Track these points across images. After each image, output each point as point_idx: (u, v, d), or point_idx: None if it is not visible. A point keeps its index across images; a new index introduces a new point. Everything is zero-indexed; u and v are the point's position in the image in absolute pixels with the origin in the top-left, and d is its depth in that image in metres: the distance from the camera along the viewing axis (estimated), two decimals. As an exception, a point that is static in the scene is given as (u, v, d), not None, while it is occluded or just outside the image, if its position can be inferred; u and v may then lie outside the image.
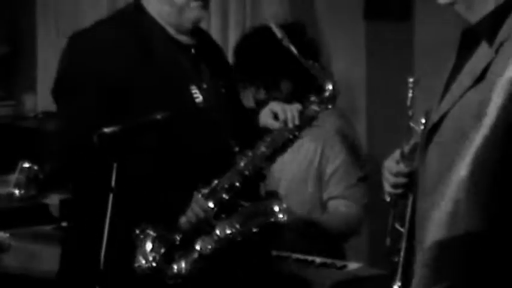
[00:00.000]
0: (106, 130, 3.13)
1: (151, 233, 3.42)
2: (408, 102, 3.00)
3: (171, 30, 3.58)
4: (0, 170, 5.04)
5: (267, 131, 3.60)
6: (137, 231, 3.41)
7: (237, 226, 3.48)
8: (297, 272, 4.08)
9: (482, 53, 2.79)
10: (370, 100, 5.04)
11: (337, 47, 5.09)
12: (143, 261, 3.41)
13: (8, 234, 3.80)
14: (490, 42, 2.75)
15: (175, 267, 3.47)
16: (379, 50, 5.02)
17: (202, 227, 3.54)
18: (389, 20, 4.97)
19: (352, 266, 4.16)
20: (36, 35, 6.19)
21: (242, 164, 3.53)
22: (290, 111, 3.51)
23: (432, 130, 2.88)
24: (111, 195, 3.11)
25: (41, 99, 6.04)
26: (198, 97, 3.56)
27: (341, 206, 4.25)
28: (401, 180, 3.02)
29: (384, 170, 3.09)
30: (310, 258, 4.09)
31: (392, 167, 3.04)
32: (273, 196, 3.67)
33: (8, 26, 6.29)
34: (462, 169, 1.70)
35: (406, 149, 3.02)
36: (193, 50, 3.66)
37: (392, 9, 4.98)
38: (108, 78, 3.46)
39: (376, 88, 5.03)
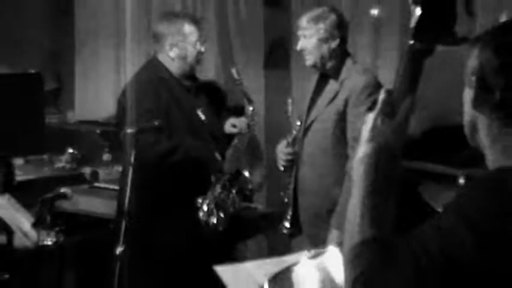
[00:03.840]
0: (128, 131, 3.84)
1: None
2: (289, 112, 4.10)
3: (182, 79, 4.38)
4: (55, 152, 5.90)
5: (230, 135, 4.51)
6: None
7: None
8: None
9: (332, 87, 3.95)
10: (268, 113, 5.84)
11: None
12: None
13: (69, 190, 4.32)
14: (336, 79, 3.92)
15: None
16: (272, 86, 5.93)
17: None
18: (277, 68, 5.87)
19: (257, 206, 5.02)
20: (74, 74, 7.10)
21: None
22: (243, 123, 4.45)
23: (307, 129, 3.96)
24: (130, 169, 3.73)
25: (77, 113, 7.04)
26: (202, 117, 4.42)
27: None
28: (289, 157, 4.03)
29: (278, 151, 4.09)
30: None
31: (284, 150, 4.05)
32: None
33: (54, 69, 7.19)
34: None
35: (290, 138, 4.05)
36: (193, 89, 4.45)
37: (278, 61, 5.84)
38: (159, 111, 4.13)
39: (274, 103, 5.79)
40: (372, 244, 1.67)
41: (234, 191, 4.33)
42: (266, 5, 5.80)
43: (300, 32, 3.95)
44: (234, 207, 4.35)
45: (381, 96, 1.77)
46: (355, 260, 1.67)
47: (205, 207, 4.15)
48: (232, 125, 4.50)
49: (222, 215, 4.19)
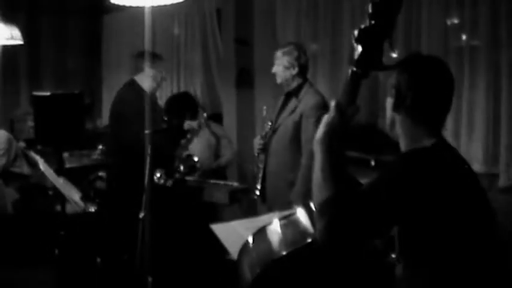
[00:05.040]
0: (146, 132, 3.36)
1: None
2: (264, 115, 4.04)
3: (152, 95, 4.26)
4: (90, 147, 5.98)
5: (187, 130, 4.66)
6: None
7: None
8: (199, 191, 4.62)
9: (293, 102, 3.83)
10: (239, 118, 5.80)
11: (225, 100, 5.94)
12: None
13: (103, 174, 4.62)
14: (296, 97, 3.80)
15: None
16: (241, 99, 5.83)
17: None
18: (245, 87, 5.78)
19: (233, 183, 4.88)
20: (102, 93, 7.46)
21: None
22: (195, 124, 4.67)
23: (274, 130, 3.88)
24: (148, 158, 3.35)
25: (104, 120, 7.21)
26: (166, 120, 4.55)
27: None
28: (261, 146, 3.93)
29: (254, 142, 3.97)
30: (209, 181, 4.83)
31: (258, 141, 3.95)
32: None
33: (89, 89, 7.18)
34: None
35: (262, 135, 3.98)
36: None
37: (245, 82, 5.74)
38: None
39: (243, 112, 5.81)
40: (332, 200, 1.70)
41: (181, 167, 4.34)
42: (237, 43, 5.74)
43: (275, 61, 3.89)
44: (180, 177, 4.39)
45: (331, 105, 1.78)
46: (322, 214, 1.69)
47: (158, 175, 4.19)
48: (188, 124, 4.62)
49: (170, 180, 4.26)
